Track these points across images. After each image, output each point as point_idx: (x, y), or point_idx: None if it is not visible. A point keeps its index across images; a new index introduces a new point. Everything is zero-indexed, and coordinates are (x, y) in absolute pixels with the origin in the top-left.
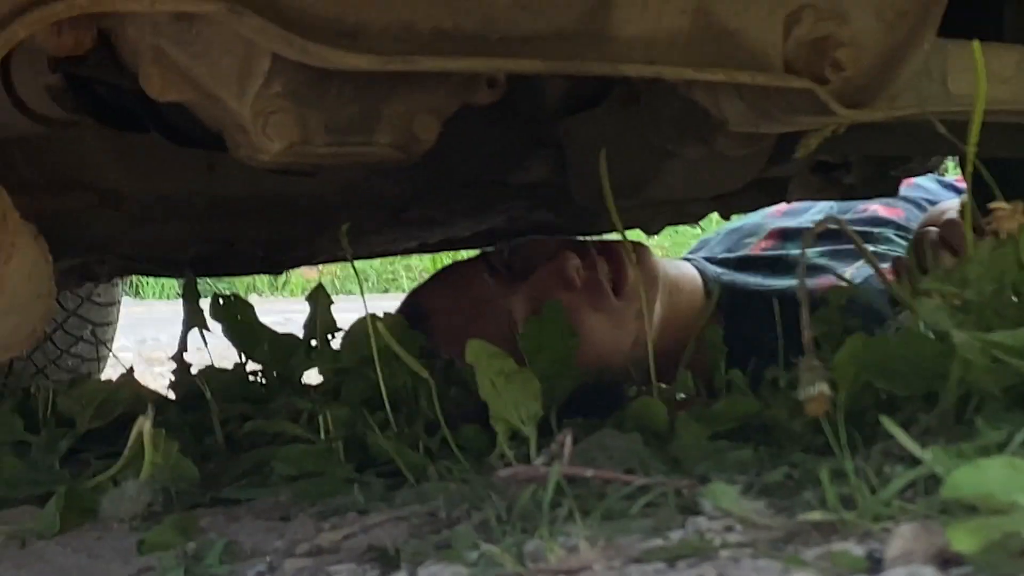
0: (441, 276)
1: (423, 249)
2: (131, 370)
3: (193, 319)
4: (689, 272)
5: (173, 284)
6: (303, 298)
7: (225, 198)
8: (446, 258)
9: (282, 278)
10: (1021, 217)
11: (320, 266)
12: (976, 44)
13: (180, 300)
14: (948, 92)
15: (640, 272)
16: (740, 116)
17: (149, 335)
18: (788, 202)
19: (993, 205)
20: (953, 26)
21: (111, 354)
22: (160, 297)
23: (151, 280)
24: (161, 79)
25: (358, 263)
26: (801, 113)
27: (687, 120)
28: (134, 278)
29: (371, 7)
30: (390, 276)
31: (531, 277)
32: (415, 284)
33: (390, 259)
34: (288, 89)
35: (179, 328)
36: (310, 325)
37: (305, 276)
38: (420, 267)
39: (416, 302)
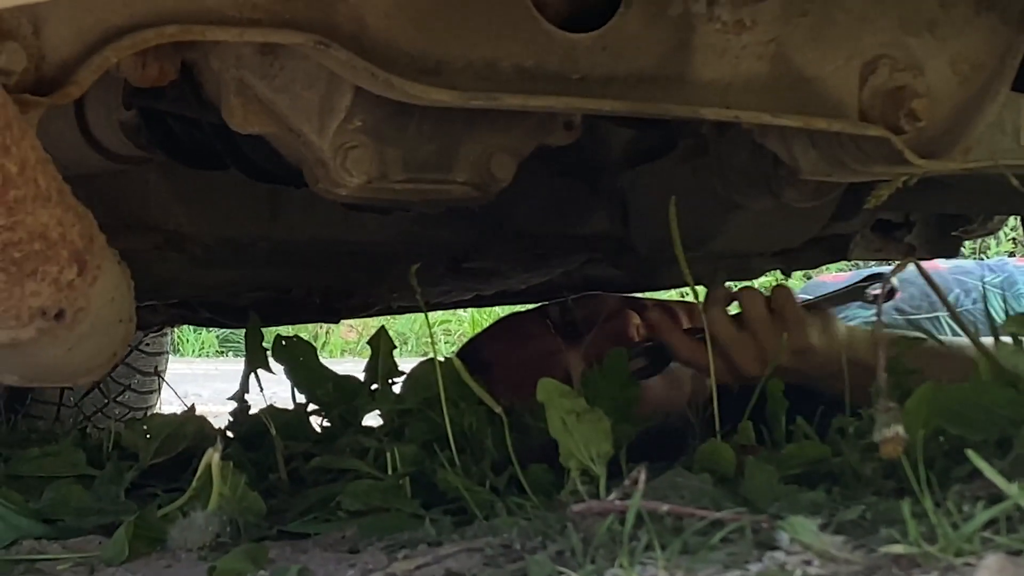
0: (502, 326)
1: (478, 302)
2: (193, 407)
3: (255, 360)
4: None
5: (213, 341)
6: (342, 359)
7: (287, 243)
8: (485, 322)
9: (321, 339)
10: None
11: (359, 328)
12: None
13: (220, 358)
14: (1020, 146)
15: None
16: (813, 164)
17: (191, 391)
18: (849, 260)
19: None
20: None
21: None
22: (199, 355)
23: (191, 338)
24: (244, 111)
25: (398, 324)
26: (874, 162)
27: (756, 171)
28: (175, 335)
29: (455, 44)
30: (427, 340)
31: (590, 334)
32: (454, 348)
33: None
34: (368, 124)
35: (220, 385)
36: (371, 368)
37: (344, 337)
38: (459, 331)
39: (476, 350)
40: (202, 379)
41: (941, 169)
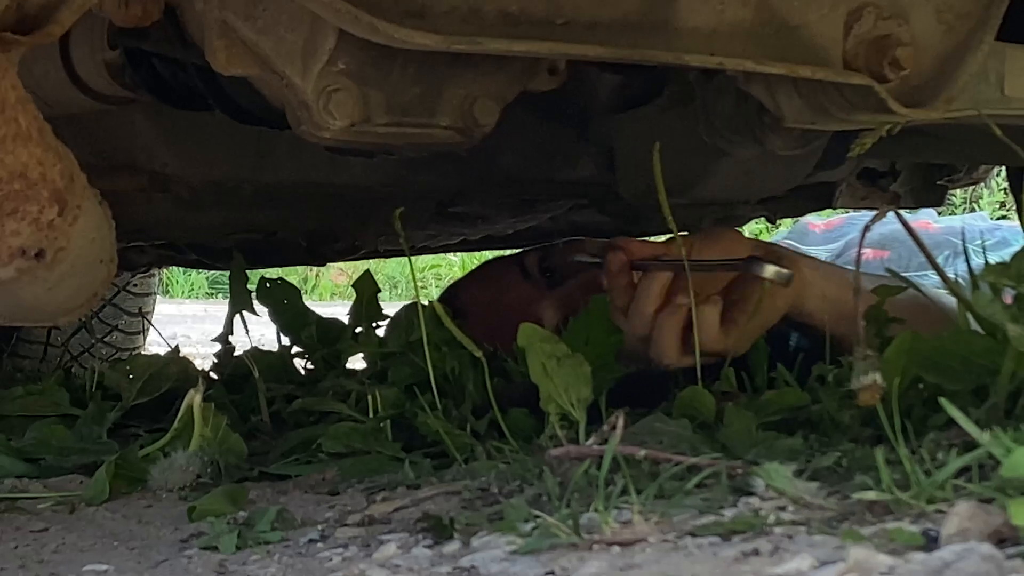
0: (476, 276)
1: (465, 247)
2: (177, 348)
3: (240, 302)
4: None
5: (203, 283)
6: (331, 302)
7: (272, 186)
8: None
9: (311, 282)
10: None
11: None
12: None
13: (209, 300)
14: (1004, 96)
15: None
16: (797, 112)
17: (179, 332)
18: (835, 208)
19: None
20: (1011, 30)
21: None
22: (189, 296)
23: (180, 279)
24: (226, 53)
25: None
26: (858, 111)
27: (741, 118)
28: (165, 276)
29: None
30: (420, 285)
31: (565, 286)
32: None
33: (420, 268)
34: (352, 67)
35: (208, 327)
36: (356, 312)
37: (334, 280)
38: (449, 275)
39: (453, 296)
40: (191, 321)
41: (924, 118)
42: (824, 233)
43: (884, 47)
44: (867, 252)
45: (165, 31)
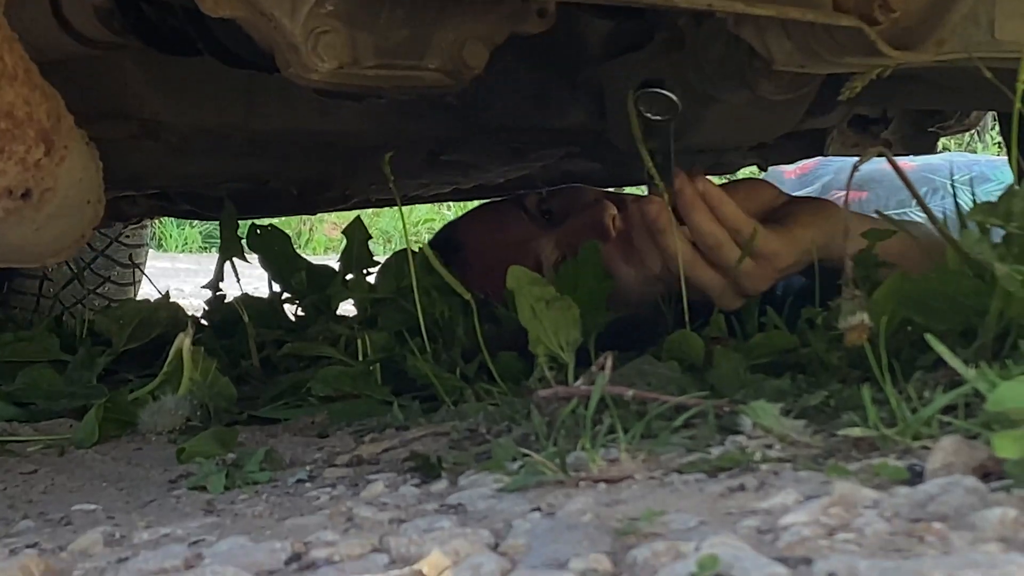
0: (477, 213)
1: (457, 195)
2: (168, 294)
3: (230, 249)
4: None
5: (196, 237)
6: (325, 255)
7: (263, 133)
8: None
9: (304, 236)
10: None
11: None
12: None
13: (203, 253)
14: (994, 39)
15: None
16: (786, 55)
17: (172, 286)
18: (825, 155)
19: None
20: None
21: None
22: (182, 250)
23: (174, 233)
24: None
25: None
26: (848, 54)
27: (731, 63)
28: (157, 230)
29: None
30: (414, 239)
31: (565, 224)
32: None
33: (413, 222)
34: (340, 9)
35: (202, 280)
36: (346, 258)
37: (328, 235)
38: None
39: (450, 235)
40: (184, 274)
41: (914, 60)
42: (800, 177)
43: None
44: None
45: None
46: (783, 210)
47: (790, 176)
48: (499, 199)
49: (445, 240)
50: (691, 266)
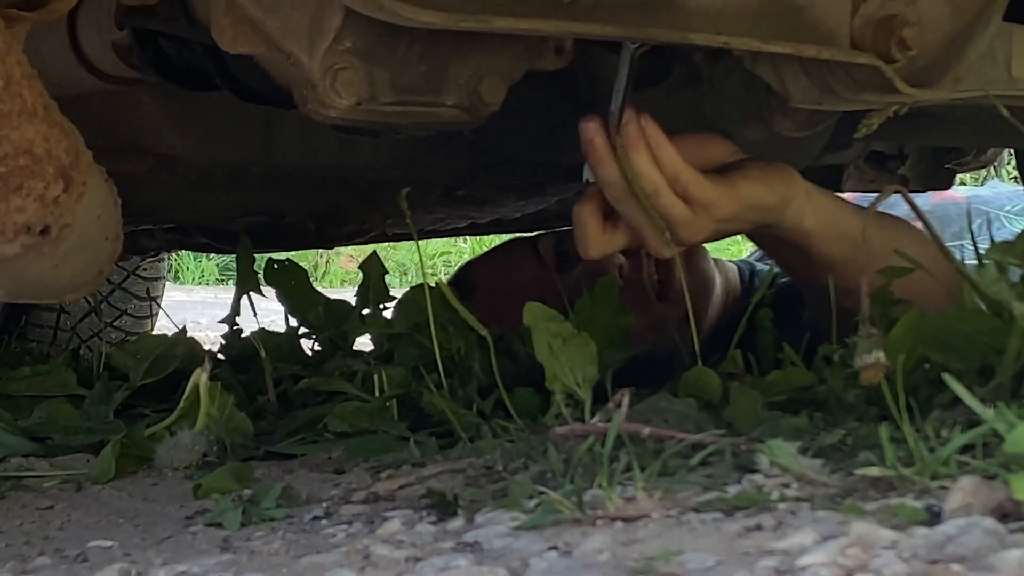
0: (491, 254)
1: (473, 230)
2: (185, 329)
3: (246, 283)
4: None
5: (213, 269)
6: (342, 289)
7: (281, 168)
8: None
9: (321, 268)
10: None
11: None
12: None
13: (220, 286)
14: (1011, 77)
15: (691, 277)
16: (803, 92)
17: (189, 318)
18: (843, 191)
19: None
20: (1018, 14)
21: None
22: (199, 283)
23: (191, 265)
24: (233, 31)
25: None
26: (865, 91)
27: (748, 100)
28: (175, 263)
29: None
30: (430, 272)
31: (574, 270)
32: None
33: (429, 255)
34: (358, 46)
35: (219, 313)
36: (363, 293)
37: (344, 268)
38: (459, 262)
39: (465, 276)
40: (201, 307)
41: (931, 98)
42: None
43: (891, 27)
44: None
45: (171, 10)
46: (735, 165)
47: None
48: (514, 239)
49: (457, 282)
50: (624, 200)
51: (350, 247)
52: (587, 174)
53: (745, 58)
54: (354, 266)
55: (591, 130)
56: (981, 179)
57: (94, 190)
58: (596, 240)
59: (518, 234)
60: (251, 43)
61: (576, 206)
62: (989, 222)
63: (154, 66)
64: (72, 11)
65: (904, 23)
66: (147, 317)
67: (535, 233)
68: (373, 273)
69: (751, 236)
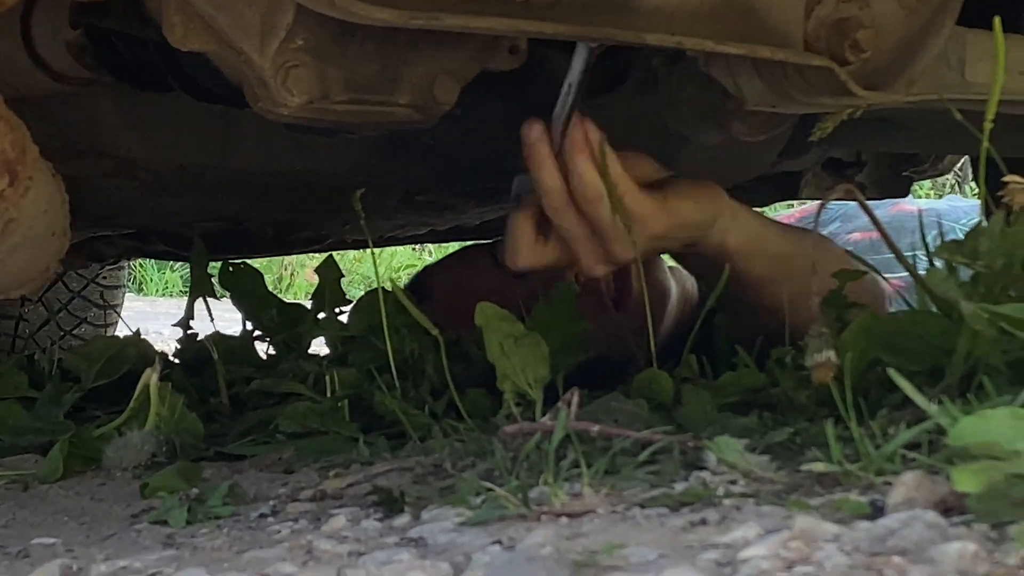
0: (449, 260)
1: (433, 237)
2: (138, 331)
3: (201, 287)
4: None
5: (177, 280)
6: (306, 301)
7: (238, 172)
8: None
9: (286, 280)
10: None
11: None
12: (998, 25)
13: (182, 297)
14: (965, 80)
15: (648, 287)
16: (758, 95)
17: (152, 328)
18: (800, 198)
19: (1007, 178)
20: (971, 18)
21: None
22: (163, 294)
23: (155, 277)
24: (184, 28)
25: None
26: (819, 94)
27: (704, 104)
28: (137, 274)
29: None
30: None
31: (530, 276)
32: None
33: (394, 268)
34: (310, 44)
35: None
36: (319, 297)
37: (308, 280)
38: None
39: (422, 282)
40: (163, 317)
41: (885, 101)
42: (799, 221)
43: (845, 29)
44: (856, 235)
45: (124, 7)
46: (663, 183)
47: (789, 220)
48: (473, 245)
49: (415, 287)
50: (562, 209)
51: (315, 260)
52: (517, 187)
53: (700, 60)
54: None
55: (534, 133)
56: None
57: (41, 185)
58: (527, 250)
59: (478, 241)
60: (202, 40)
61: (511, 214)
62: (942, 235)
63: (108, 66)
64: (26, 11)
65: (858, 25)
66: (106, 326)
67: (494, 239)
68: (329, 277)
69: (674, 255)
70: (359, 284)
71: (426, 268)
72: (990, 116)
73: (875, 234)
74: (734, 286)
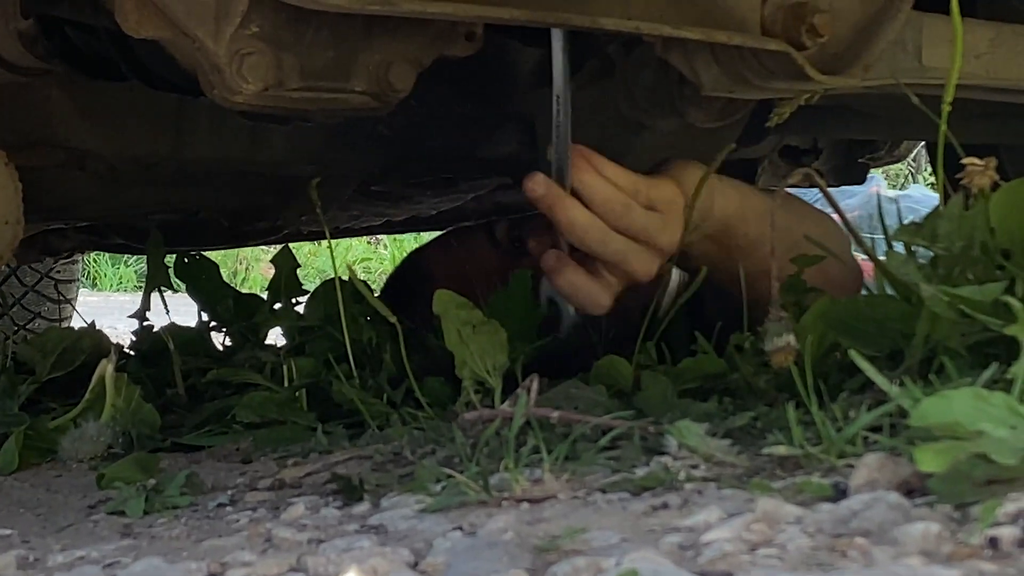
0: (444, 240)
1: (389, 228)
2: (93, 323)
3: (156, 278)
4: None
5: (132, 275)
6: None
7: (192, 163)
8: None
9: (241, 275)
10: (992, 173)
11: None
12: (955, 8)
13: (138, 292)
14: (922, 64)
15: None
16: (715, 80)
17: (107, 323)
18: (756, 185)
19: (965, 160)
20: (928, 1)
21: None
22: (118, 289)
23: (108, 272)
24: (137, 15)
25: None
26: (776, 78)
27: (661, 90)
28: (91, 269)
29: None
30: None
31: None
32: (375, 285)
33: (351, 260)
34: (265, 30)
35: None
36: (275, 287)
37: (264, 274)
38: (380, 269)
39: (418, 264)
40: (118, 311)
41: (842, 85)
42: None
43: (802, 14)
44: None
45: None
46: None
47: None
48: (467, 226)
49: (412, 269)
50: (606, 237)
51: (270, 253)
52: (546, 292)
53: (656, 45)
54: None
55: (540, 184)
56: (900, 184)
57: None
58: (601, 293)
59: (434, 232)
60: (156, 27)
61: (554, 279)
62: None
63: (61, 55)
64: None
65: (815, 10)
66: (61, 320)
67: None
68: (285, 267)
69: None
70: (314, 278)
71: (419, 250)
72: (947, 99)
73: (856, 212)
74: (730, 253)
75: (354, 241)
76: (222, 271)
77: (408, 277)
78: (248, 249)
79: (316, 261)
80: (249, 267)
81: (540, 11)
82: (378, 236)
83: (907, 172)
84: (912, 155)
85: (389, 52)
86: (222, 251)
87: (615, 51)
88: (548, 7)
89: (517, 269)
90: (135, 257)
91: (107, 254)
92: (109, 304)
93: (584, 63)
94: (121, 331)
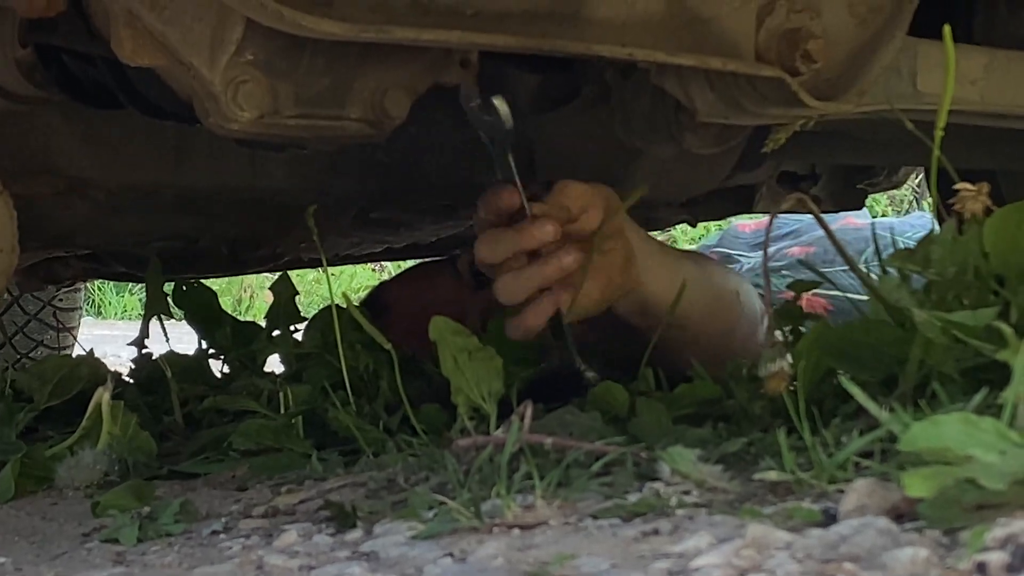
0: (407, 274)
1: (388, 255)
2: (92, 351)
3: (155, 306)
4: None
5: (136, 305)
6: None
7: (192, 190)
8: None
9: (245, 303)
10: (985, 199)
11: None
12: (948, 34)
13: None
14: (917, 90)
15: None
16: (710, 106)
17: (110, 352)
18: (755, 212)
19: (958, 186)
20: (923, 27)
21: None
22: (122, 318)
23: (113, 300)
24: (133, 43)
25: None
26: (771, 104)
27: (657, 117)
28: (96, 297)
29: None
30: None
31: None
32: None
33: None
34: (260, 58)
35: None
36: (273, 314)
37: (268, 301)
38: None
39: (379, 296)
40: (121, 340)
41: (836, 112)
42: (754, 232)
43: (796, 40)
44: (794, 249)
45: (73, 24)
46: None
47: (744, 229)
48: (432, 260)
49: (371, 303)
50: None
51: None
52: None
53: (652, 72)
54: None
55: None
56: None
57: None
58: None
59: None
60: (151, 55)
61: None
62: (894, 243)
63: (58, 84)
64: None
65: (809, 36)
66: (63, 348)
67: (452, 254)
68: (283, 295)
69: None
70: (318, 305)
71: (382, 283)
72: (940, 125)
73: (811, 248)
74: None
75: (358, 268)
76: (226, 299)
77: (370, 309)
78: (252, 277)
79: (320, 288)
80: (254, 294)
81: (534, 38)
82: (382, 263)
83: (911, 198)
84: (916, 180)
85: (384, 79)
86: (226, 279)
87: (612, 77)
88: (542, 34)
89: (473, 300)
90: (139, 286)
91: (111, 283)
92: (114, 333)
93: (581, 90)
94: (124, 359)
